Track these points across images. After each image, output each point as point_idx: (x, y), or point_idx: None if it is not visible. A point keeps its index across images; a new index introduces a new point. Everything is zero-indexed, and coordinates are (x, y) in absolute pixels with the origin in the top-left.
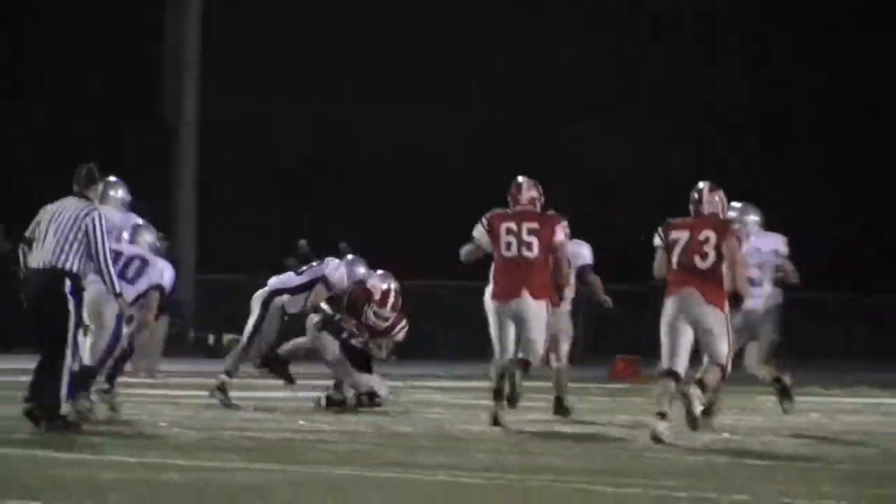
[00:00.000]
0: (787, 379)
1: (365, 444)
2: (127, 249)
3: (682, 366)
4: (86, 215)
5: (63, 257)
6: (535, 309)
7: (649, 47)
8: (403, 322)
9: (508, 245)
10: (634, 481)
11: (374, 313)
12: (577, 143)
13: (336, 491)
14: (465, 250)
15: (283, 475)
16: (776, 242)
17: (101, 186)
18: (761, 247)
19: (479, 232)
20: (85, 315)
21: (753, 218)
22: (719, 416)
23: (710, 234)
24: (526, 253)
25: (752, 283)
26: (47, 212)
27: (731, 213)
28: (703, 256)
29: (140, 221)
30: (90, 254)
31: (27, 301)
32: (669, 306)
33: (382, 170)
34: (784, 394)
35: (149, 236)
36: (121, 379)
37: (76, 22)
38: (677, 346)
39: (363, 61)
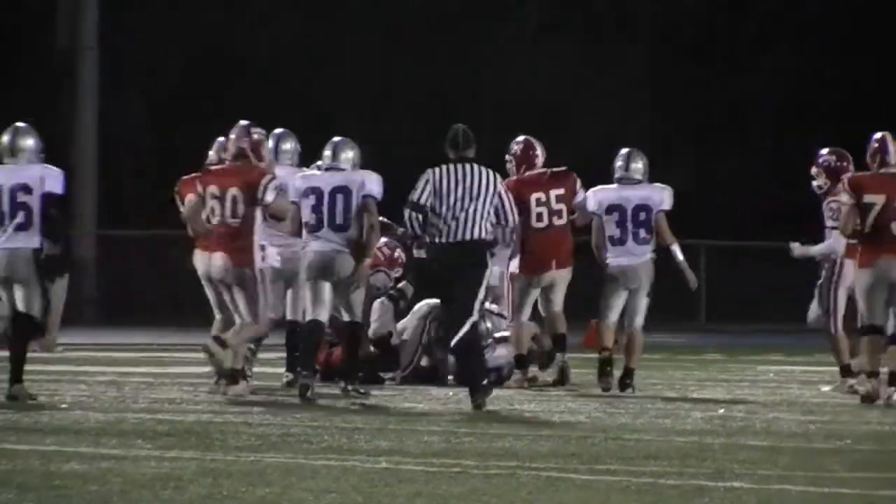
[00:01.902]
0: None
1: (297, 427)
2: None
3: (883, 319)
4: None
5: None
6: (563, 278)
7: None
8: None
9: (539, 216)
10: (612, 467)
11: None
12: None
13: (264, 481)
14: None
15: (201, 464)
16: None
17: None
18: None
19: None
20: None
21: None
22: (713, 390)
23: None
24: (557, 222)
25: None
26: None
27: None
28: None
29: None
30: None
31: None
32: (865, 276)
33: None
34: None
35: None
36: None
37: None
38: (875, 305)
39: None
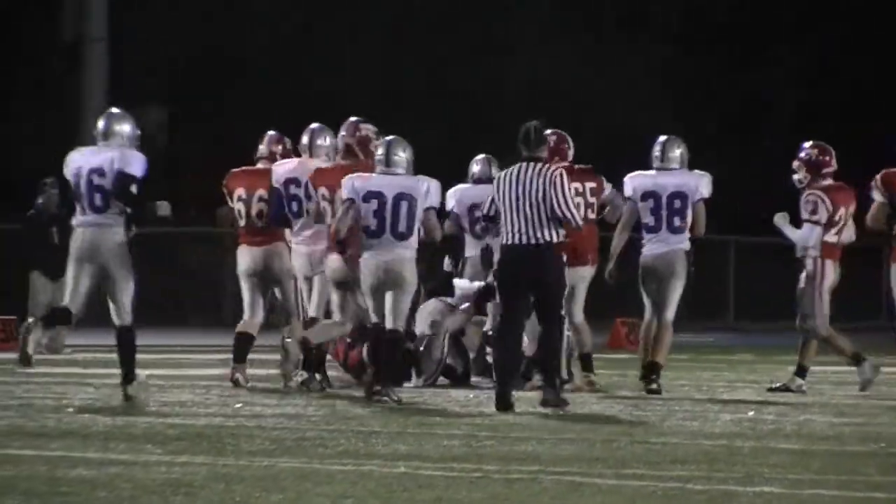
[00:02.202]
0: None
1: (312, 431)
2: None
3: None
4: None
5: None
6: (588, 276)
7: None
8: None
9: (577, 207)
10: (639, 472)
11: None
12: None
13: (278, 487)
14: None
15: (213, 469)
16: None
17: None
18: None
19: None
20: None
21: None
22: (743, 392)
23: None
24: (591, 215)
25: None
26: None
27: None
28: None
29: None
30: None
31: None
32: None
33: None
34: None
35: None
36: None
37: None
38: None
39: None
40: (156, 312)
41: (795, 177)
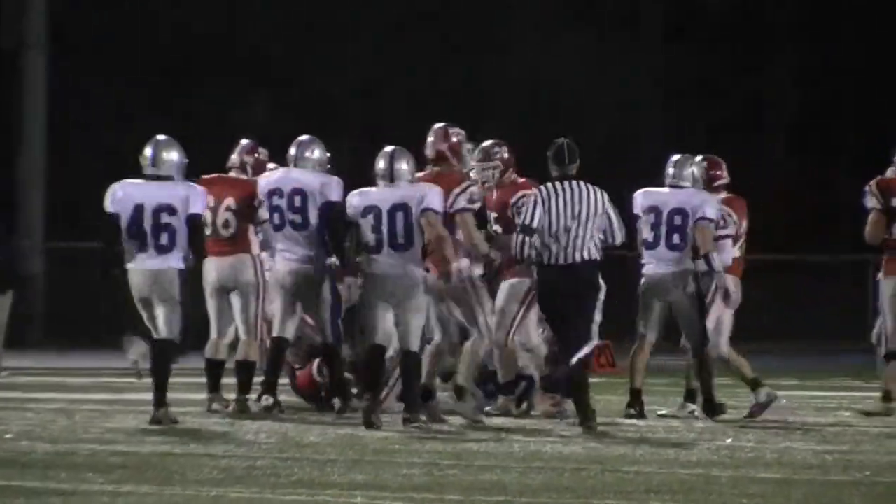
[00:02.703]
0: None
1: (264, 459)
2: None
3: None
4: None
5: None
6: None
7: None
8: None
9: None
10: (610, 502)
11: None
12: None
13: None
14: None
15: (159, 499)
16: None
17: None
18: None
19: None
20: None
21: None
22: (720, 418)
23: None
24: None
25: None
26: None
27: None
28: None
29: None
30: None
31: None
32: (891, 287)
33: None
34: None
35: None
36: None
37: None
38: None
39: None
40: (109, 332)
41: None
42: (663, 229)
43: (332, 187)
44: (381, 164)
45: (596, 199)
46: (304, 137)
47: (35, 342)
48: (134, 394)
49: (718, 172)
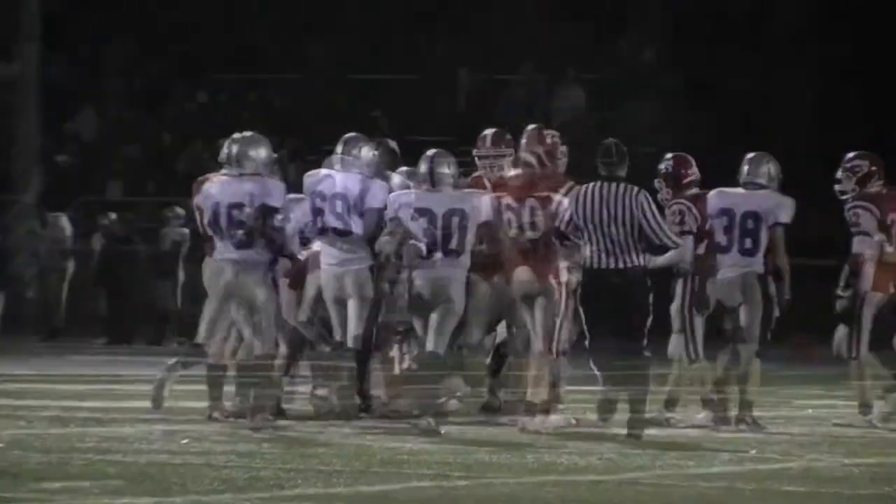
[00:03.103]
0: None
1: (267, 469)
2: None
3: None
4: None
5: None
6: None
7: None
8: None
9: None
10: None
11: None
12: None
13: None
14: None
15: None
16: None
17: None
18: None
19: None
20: None
21: None
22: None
23: None
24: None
25: None
26: None
27: None
28: None
29: None
30: None
31: None
32: (877, 300)
33: None
34: None
35: None
36: None
37: None
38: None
39: None
40: (107, 335)
41: (659, 196)
42: (736, 232)
43: (375, 193)
44: (422, 167)
45: (637, 202)
46: (349, 135)
47: (27, 348)
48: (130, 401)
49: (684, 171)
